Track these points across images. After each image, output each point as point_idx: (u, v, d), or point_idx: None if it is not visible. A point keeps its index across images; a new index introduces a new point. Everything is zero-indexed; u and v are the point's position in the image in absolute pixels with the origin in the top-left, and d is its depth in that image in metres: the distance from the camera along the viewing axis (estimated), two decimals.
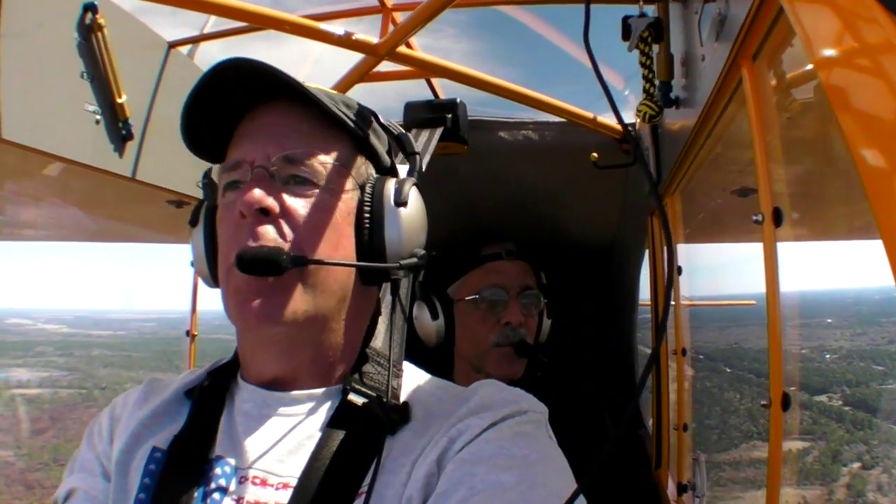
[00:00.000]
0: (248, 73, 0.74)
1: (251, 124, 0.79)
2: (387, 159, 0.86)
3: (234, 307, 0.74)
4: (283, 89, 0.76)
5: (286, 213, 0.74)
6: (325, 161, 0.77)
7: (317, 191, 0.76)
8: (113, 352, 56.89)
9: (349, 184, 0.79)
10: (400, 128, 0.94)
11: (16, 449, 30.90)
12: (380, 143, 0.85)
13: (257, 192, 0.72)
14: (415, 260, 0.81)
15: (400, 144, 0.92)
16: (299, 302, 0.73)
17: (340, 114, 0.78)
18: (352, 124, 0.79)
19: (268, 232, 0.73)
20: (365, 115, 0.84)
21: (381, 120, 0.89)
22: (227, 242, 0.76)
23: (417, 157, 0.91)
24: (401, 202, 0.80)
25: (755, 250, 1.03)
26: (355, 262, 0.78)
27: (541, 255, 1.84)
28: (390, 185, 0.81)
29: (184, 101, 0.76)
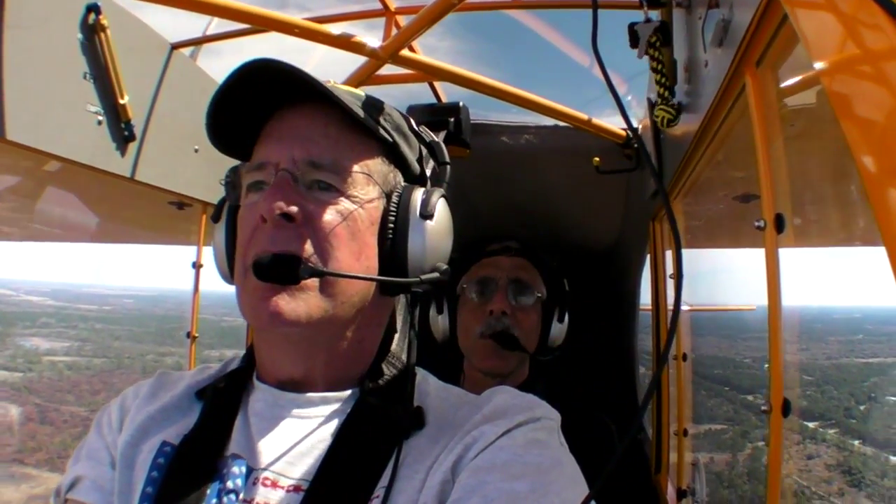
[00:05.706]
0: (277, 74, 0.73)
1: (278, 125, 0.78)
2: (416, 167, 0.85)
3: (249, 306, 0.73)
4: (311, 92, 0.74)
5: (308, 219, 0.73)
6: (351, 168, 0.75)
7: (341, 198, 0.75)
8: (114, 326, 58.54)
9: (374, 192, 0.77)
10: (432, 134, 0.92)
11: (86, 406, 32.63)
12: (410, 151, 0.84)
13: (280, 198, 0.71)
14: (436, 275, 0.80)
15: (431, 152, 0.90)
16: (314, 307, 0.72)
17: (370, 120, 0.76)
18: (381, 131, 0.78)
19: (287, 238, 0.72)
20: (396, 121, 0.82)
21: (414, 125, 0.87)
22: (245, 243, 0.75)
23: (448, 167, 0.89)
24: (427, 214, 0.79)
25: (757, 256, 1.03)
26: (375, 277, 0.77)
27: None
28: (417, 195, 0.80)
29: (210, 98, 0.75)
